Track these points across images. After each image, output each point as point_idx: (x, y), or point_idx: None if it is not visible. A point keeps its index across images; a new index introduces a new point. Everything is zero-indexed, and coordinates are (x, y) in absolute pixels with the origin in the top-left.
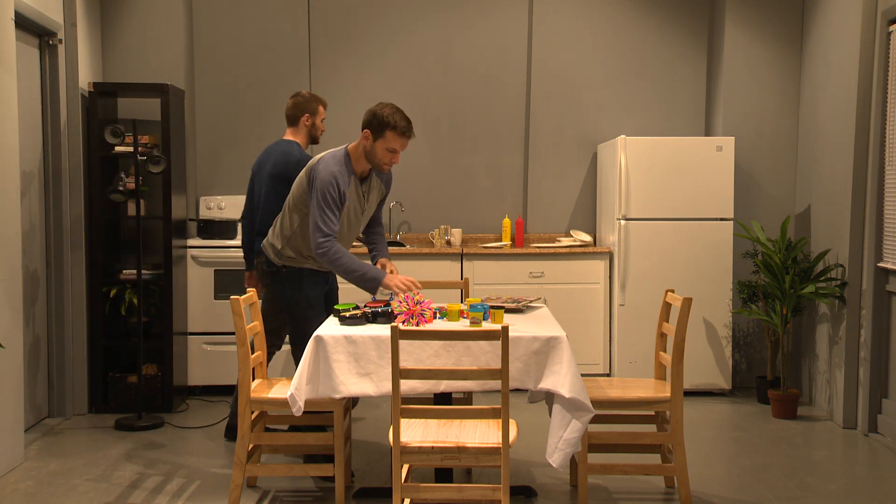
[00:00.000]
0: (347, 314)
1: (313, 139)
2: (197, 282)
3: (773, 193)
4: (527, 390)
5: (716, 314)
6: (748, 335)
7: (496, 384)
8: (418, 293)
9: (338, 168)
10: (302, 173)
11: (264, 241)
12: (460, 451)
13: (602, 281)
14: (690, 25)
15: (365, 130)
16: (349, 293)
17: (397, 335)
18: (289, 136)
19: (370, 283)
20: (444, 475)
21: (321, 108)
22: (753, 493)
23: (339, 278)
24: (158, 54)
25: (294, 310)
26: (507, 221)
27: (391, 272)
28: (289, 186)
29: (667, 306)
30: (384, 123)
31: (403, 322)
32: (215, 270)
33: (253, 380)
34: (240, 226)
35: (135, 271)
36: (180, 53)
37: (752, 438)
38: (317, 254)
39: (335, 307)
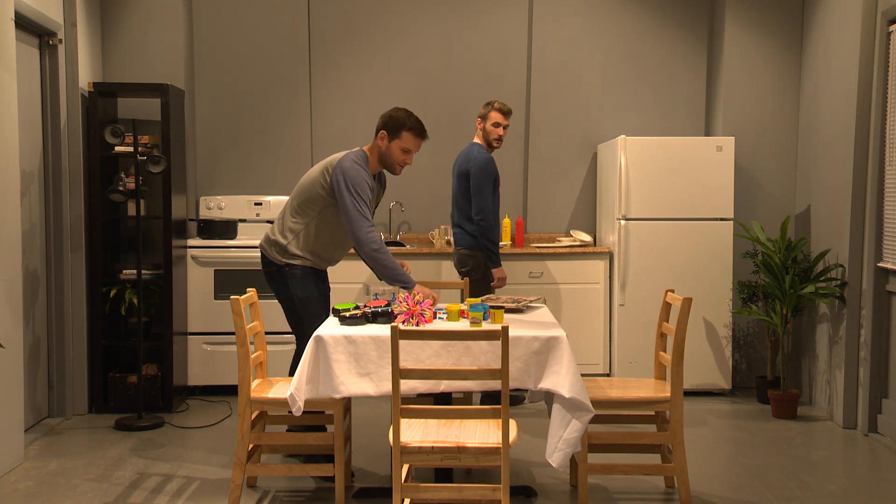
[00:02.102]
0: (347, 314)
1: (488, 143)
2: (197, 282)
3: (773, 193)
4: (527, 390)
5: (716, 314)
6: (748, 335)
7: (496, 384)
8: (418, 293)
9: (365, 167)
10: (321, 170)
11: (262, 241)
12: (460, 451)
13: (602, 281)
14: (690, 25)
15: (381, 132)
16: (345, 294)
17: (397, 335)
18: (475, 139)
19: (402, 286)
20: (444, 475)
21: (493, 114)
22: (753, 493)
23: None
24: (158, 54)
25: (295, 309)
26: (507, 221)
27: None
28: (469, 183)
29: (667, 306)
30: (400, 124)
31: (403, 322)
32: (215, 270)
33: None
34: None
35: (135, 271)
36: (180, 53)
37: (752, 438)
38: (367, 239)
39: (335, 307)
